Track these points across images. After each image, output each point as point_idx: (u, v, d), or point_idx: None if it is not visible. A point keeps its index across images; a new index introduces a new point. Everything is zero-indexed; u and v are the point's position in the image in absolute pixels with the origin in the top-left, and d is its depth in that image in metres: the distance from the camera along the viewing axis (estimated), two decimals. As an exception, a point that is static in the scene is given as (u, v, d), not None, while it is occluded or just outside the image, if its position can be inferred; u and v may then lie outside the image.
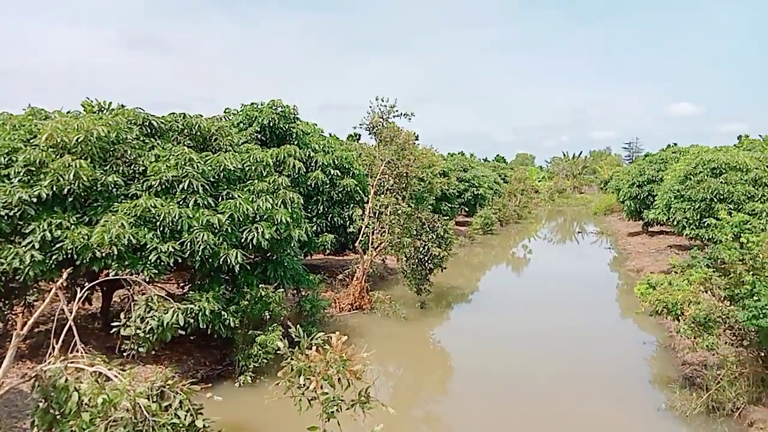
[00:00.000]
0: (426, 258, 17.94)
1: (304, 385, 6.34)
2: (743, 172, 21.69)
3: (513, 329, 17.65)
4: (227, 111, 21.77)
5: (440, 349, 17.28)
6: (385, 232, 18.04)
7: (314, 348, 6.56)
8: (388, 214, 17.94)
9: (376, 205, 18.02)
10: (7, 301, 11.70)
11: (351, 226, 19.45)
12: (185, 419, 6.34)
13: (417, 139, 22.30)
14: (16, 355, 12.35)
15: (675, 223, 23.00)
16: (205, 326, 11.32)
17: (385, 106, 18.94)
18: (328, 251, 20.83)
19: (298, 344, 6.82)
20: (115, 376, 6.65)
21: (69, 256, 11.04)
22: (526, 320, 18.90)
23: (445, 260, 18.78)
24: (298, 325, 6.91)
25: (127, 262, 11.16)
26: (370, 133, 19.49)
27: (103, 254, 10.90)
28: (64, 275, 7.87)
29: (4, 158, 11.67)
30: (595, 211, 63.67)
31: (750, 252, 10.49)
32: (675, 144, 54.52)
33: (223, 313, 11.77)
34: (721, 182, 21.40)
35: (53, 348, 7.69)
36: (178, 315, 8.95)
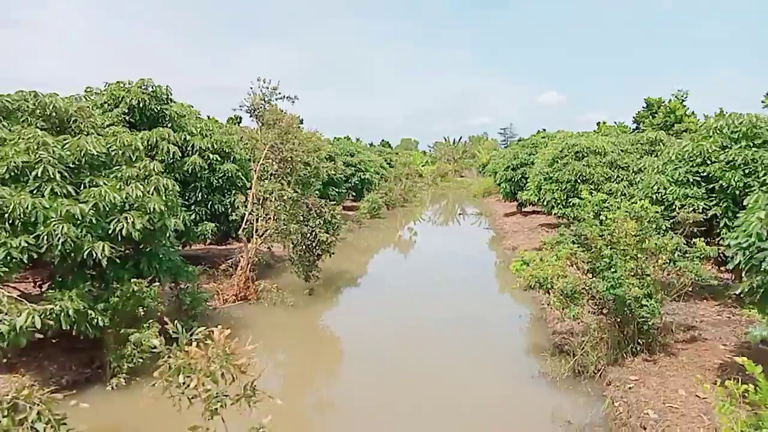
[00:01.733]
0: (313, 244, 17.71)
1: (184, 383, 5.92)
2: (602, 155, 23.93)
3: (399, 311, 18.07)
4: (88, 90, 19.73)
5: (329, 336, 17.24)
6: (270, 218, 17.51)
7: (195, 344, 6.14)
8: (273, 200, 17.41)
9: (259, 191, 17.39)
10: None
11: (234, 213, 18.66)
12: (45, 430, 5.66)
13: (302, 123, 21.90)
14: None
15: (545, 203, 24.86)
16: (68, 327, 10.23)
17: (267, 87, 18.25)
18: (209, 241, 19.81)
19: (176, 341, 6.37)
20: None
21: None
22: (412, 301, 19.45)
23: (333, 245, 18.67)
24: (176, 321, 6.44)
25: (-37, 261, 9.73)
26: (251, 116, 18.68)
27: (-63, 253, 9.41)
28: None
29: None
30: (474, 193, 67.19)
31: (608, 228, 11.56)
32: (544, 130, 59.00)
33: (90, 312, 10.69)
34: (584, 165, 23.44)
35: None
36: (33, 317, 7.95)
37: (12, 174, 10.90)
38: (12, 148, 11.13)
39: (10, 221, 10.24)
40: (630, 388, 10.01)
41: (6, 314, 7.82)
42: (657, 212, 11.92)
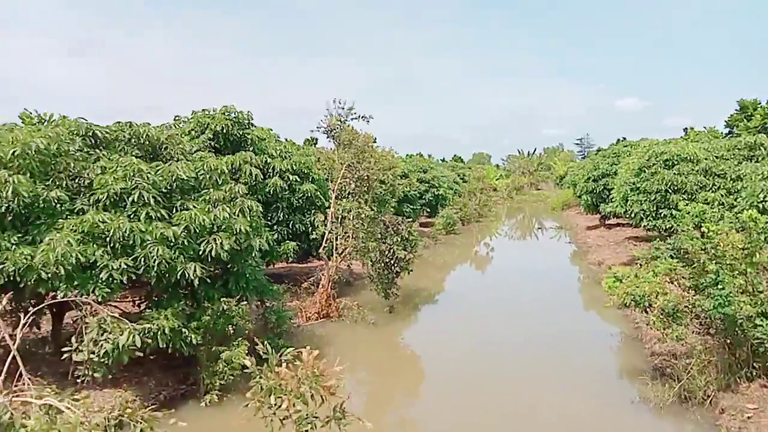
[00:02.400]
0: (392, 261, 17.65)
1: (275, 404, 5.93)
2: (694, 163, 22.35)
3: (480, 329, 17.58)
4: (177, 119, 20.96)
5: (410, 354, 17.04)
6: (349, 236, 17.66)
7: (284, 364, 6.16)
8: (351, 218, 17.56)
9: (338, 209, 17.61)
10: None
11: (314, 232, 18.97)
12: (143, 452, 5.84)
13: (375, 142, 22.07)
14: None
15: (632, 215, 23.50)
16: (165, 345, 10.68)
17: (343, 108, 18.57)
18: (290, 259, 20.27)
19: (266, 360, 6.43)
20: (67, 408, 6.07)
21: (11, 278, 10.22)
22: (492, 318, 18.90)
23: (412, 263, 18.54)
24: (265, 341, 6.48)
25: (76, 282, 10.42)
26: (327, 137, 19.05)
27: (49, 275, 10.14)
28: (4, 300, 7.19)
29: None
30: (552, 206, 65.01)
31: (711, 241, 10.65)
32: (624, 138, 56.30)
33: (183, 330, 11.13)
34: (674, 174, 21.97)
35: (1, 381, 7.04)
36: (134, 336, 8.35)
37: (112, 200, 11.62)
38: (111, 176, 11.88)
39: (111, 244, 10.91)
40: (749, 417, 9.06)
41: (110, 333, 8.26)
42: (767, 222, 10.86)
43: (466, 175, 64.50)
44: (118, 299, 14.67)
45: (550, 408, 11.35)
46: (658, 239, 12.97)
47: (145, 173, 12.06)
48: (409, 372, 15.28)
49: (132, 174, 11.91)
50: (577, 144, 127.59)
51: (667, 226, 21.07)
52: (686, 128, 53.16)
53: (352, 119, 18.44)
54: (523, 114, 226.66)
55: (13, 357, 6.87)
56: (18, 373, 6.80)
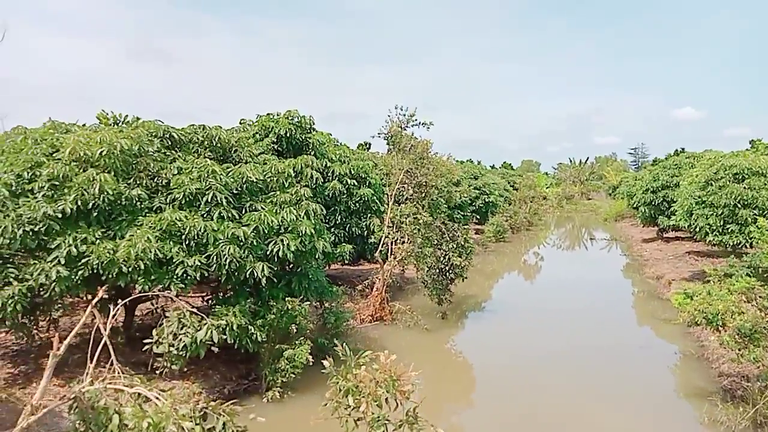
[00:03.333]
0: (447, 267, 17.69)
1: (352, 406, 6.11)
2: (766, 177, 21.38)
3: (531, 339, 17.38)
4: (243, 122, 21.67)
5: (462, 361, 16.99)
6: (405, 241, 17.81)
7: (362, 367, 6.33)
8: (408, 223, 17.70)
9: (396, 214, 17.79)
10: (32, 317, 11.50)
11: (372, 236, 19.20)
12: (230, 443, 6.11)
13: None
14: (41, 371, 12.15)
15: (697, 229, 22.66)
16: (232, 341, 11.09)
17: (404, 114, 18.74)
18: (344, 261, 20.61)
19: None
20: (156, 398, 6.43)
21: (95, 271, 10.87)
22: (543, 329, 18.63)
23: (466, 270, 18.52)
24: (344, 344, 6.70)
25: (153, 277, 10.96)
26: (388, 143, 19.27)
27: (130, 269, 10.72)
28: (101, 293, 7.68)
29: (28, 173, 11.53)
30: (605, 217, 63.29)
31: (791, 260, 10.22)
32: (683, 150, 54.21)
33: (249, 327, 11.54)
34: (744, 188, 21.06)
35: (89, 367, 7.50)
36: (211, 331, 8.73)
37: (187, 199, 12.16)
38: (187, 176, 12.43)
39: (186, 242, 11.43)
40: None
41: (189, 327, 8.66)
42: None
43: (516, 183, 63.68)
44: (187, 295, 15.29)
45: (609, 424, 11.12)
46: (732, 256, 12.49)
47: (218, 175, 12.58)
48: (461, 379, 15.26)
49: (206, 175, 12.44)
50: (631, 153, 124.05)
51: (735, 242, 20.23)
52: (752, 140, 50.74)
53: (412, 125, 18.61)
54: (574, 122, 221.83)
55: (103, 346, 7.32)
56: (106, 361, 7.23)
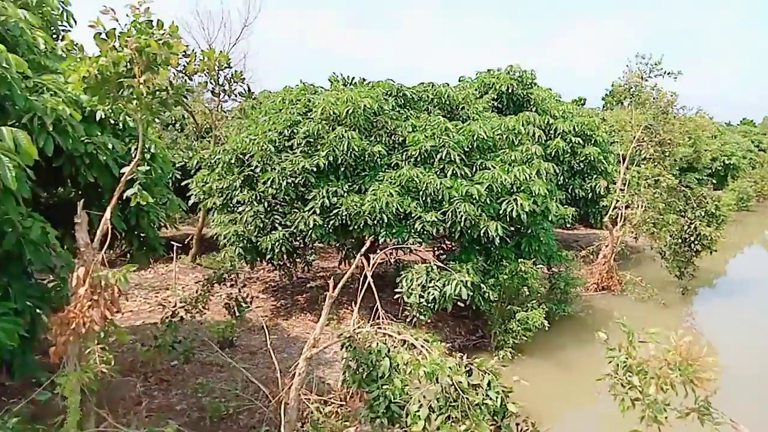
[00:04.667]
0: (692, 238, 15.56)
1: (640, 386, 5.55)
2: None
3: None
4: (462, 79, 21.48)
5: (705, 343, 14.94)
6: (642, 207, 16.06)
7: (650, 345, 5.70)
8: (645, 186, 15.89)
9: (633, 176, 16.09)
10: (290, 259, 13.00)
11: (604, 198, 17.73)
12: (497, 401, 6.06)
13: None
14: (297, 306, 13.81)
15: None
16: (467, 297, 11.17)
17: (646, 63, 16.61)
18: (567, 225, 19.47)
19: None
20: (422, 347, 6.66)
21: (343, 222, 11.80)
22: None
23: (716, 241, 16.09)
24: (624, 318, 6.10)
25: (393, 230, 11.52)
26: (625, 97, 17.36)
27: (375, 221, 11.38)
28: (367, 243, 8.19)
29: (287, 130, 12.84)
30: None
31: None
32: None
33: (482, 285, 11.51)
34: None
35: (355, 311, 8.14)
36: (460, 287, 8.85)
37: (422, 156, 12.42)
38: (422, 134, 12.66)
39: (423, 198, 11.71)
40: None
41: (437, 281, 8.86)
42: None
43: (762, 143, 53.67)
44: (416, 251, 15.93)
45: None
46: None
47: (451, 132, 12.58)
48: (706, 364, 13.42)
49: (440, 133, 12.52)
50: None
51: None
52: None
53: (656, 75, 16.43)
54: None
55: (358, 290, 7.83)
56: (374, 308, 7.72)
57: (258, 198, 12.24)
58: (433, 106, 14.70)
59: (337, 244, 13.17)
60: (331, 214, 11.80)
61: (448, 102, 14.81)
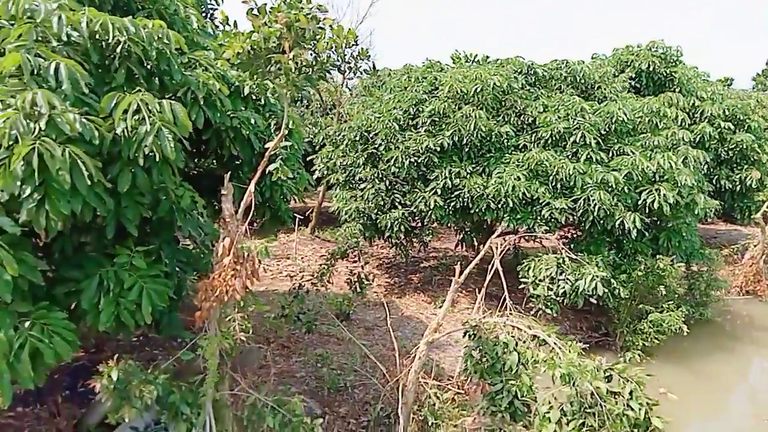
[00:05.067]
0: None
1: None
2: None
3: None
4: (595, 57, 19.93)
5: None
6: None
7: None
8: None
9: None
10: (407, 238, 12.93)
11: (760, 192, 15.77)
12: (640, 413, 5.51)
13: None
14: (411, 285, 13.78)
15: None
16: (601, 294, 10.41)
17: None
18: (706, 219, 17.59)
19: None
20: (555, 344, 6.23)
21: (464, 204, 11.47)
22: None
23: None
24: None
25: (518, 216, 11.00)
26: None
27: (499, 205, 10.93)
28: (499, 230, 7.83)
29: (412, 109, 12.66)
30: None
31: None
32: None
33: (612, 280, 10.67)
34: None
35: (479, 299, 7.85)
36: (596, 282, 8.23)
37: (553, 139, 11.68)
38: (554, 114, 11.89)
39: (553, 183, 11.02)
40: None
41: (569, 274, 8.30)
42: None
43: None
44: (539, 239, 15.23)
45: None
46: None
47: (587, 113, 11.69)
48: None
49: (574, 114, 11.69)
50: None
51: None
52: None
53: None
54: None
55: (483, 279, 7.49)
56: (501, 298, 7.38)
57: (380, 176, 12.25)
58: (566, 84, 13.75)
59: (456, 227, 12.88)
60: (453, 195, 11.51)
61: (583, 81, 13.78)
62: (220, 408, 5.74)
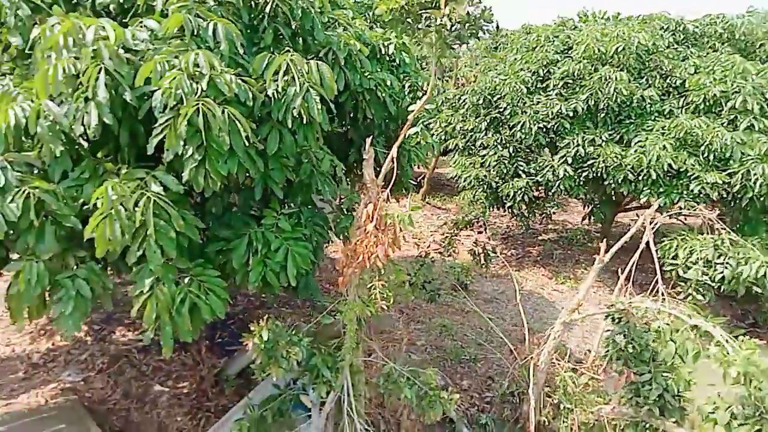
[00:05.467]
0: None
1: None
2: None
3: None
4: (752, 10, 17.44)
5: None
6: None
7: None
8: None
9: None
10: (529, 209, 12.27)
11: None
12: (831, 425, 4.75)
13: None
14: (530, 258, 13.18)
15: None
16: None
17: None
18: None
19: None
20: (722, 337, 5.53)
21: (597, 174, 10.60)
22: None
23: None
24: None
25: (661, 189, 9.99)
26: None
27: (638, 177, 9.98)
28: (655, 205, 7.09)
29: (542, 70, 11.81)
30: None
31: None
32: None
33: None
34: None
35: (622, 281, 7.21)
36: (765, 270, 7.26)
37: (707, 104, 10.38)
38: (709, 77, 10.54)
39: (705, 154, 9.84)
40: None
41: (729, 258, 7.37)
42: None
43: None
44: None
45: None
46: None
47: (750, 75, 10.23)
48: None
49: (733, 75, 10.28)
50: None
51: None
52: None
53: None
54: None
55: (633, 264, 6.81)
56: (654, 281, 6.68)
57: (503, 142, 11.63)
58: (721, 42, 12.16)
59: (584, 199, 12.00)
60: (585, 165, 10.67)
61: (743, 38, 12.10)
62: (354, 373, 5.73)
